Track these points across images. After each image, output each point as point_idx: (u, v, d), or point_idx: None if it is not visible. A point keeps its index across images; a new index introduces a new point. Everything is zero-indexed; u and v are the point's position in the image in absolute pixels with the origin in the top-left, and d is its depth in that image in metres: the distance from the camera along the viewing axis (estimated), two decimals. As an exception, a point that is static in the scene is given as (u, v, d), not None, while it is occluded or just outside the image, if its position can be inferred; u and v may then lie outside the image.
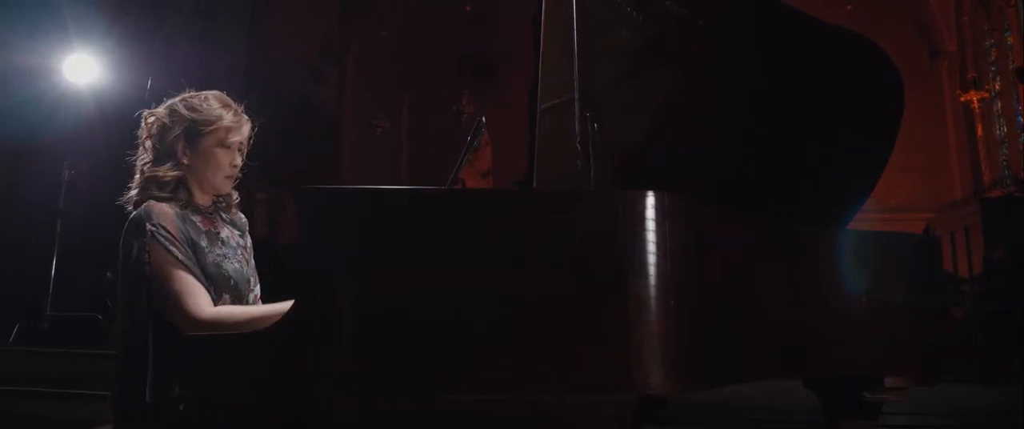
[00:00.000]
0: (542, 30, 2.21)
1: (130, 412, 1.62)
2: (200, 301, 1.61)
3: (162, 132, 1.76)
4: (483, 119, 1.92)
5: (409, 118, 12.59)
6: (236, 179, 1.84)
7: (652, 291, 1.37)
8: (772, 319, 1.74)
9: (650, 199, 1.42)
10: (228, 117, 1.78)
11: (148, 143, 1.78)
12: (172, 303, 1.59)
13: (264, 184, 7.04)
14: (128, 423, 1.63)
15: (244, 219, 1.93)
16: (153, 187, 1.73)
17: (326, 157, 10.43)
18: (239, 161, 1.82)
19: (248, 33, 7.99)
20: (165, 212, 1.67)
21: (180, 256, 1.62)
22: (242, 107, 1.84)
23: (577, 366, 1.35)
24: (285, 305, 1.65)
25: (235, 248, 1.81)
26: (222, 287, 1.71)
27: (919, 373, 2.04)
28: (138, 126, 1.82)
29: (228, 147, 1.78)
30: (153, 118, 1.79)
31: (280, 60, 8.84)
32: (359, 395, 1.36)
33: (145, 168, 1.76)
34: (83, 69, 5.85)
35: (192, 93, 1.81)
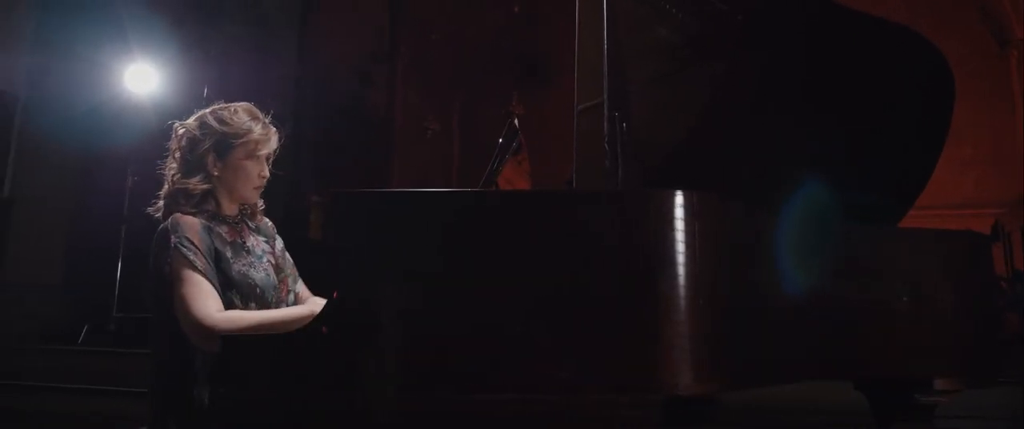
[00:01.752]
0: (577, 33, 2.22)
1: (167, 416, 1.66)
2: (209, 304, 1.61)
3: (192, 144, 1.80)
4: (516, 120, 1.92)
5: (460, 120, 12.64)
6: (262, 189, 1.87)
7: (680, 290, 1.36)
8: (810, 319, 1.70)
9: (678, 198, 1.41)
10: (258, 129, 1.81)
11: (177, 154, 1.82)
12: (181, 306, 1.61)
13: (317, 187, 7.17)
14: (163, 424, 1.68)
15: (271, 224, 1.96)
16: (181, 198, 1.76)
17: (377, 160, 10.55)
18: (267, 172, 1.85)
19: (298, 39, 8.12)
20: (191, 224, 1.71)
21: (198, 264, 1.65)
22: (269, 118, 1.86)
23: (605, 366, 1.35)
24: (298, 309, 1.71)
25: (261, 256, 1.84)
26: (248, 295, 1.74)
27: (971, 375, 1.97)
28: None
29: (257, 158, 1.81)
30: (183, 130, 1.82)
31: (330, 64, 8.96)
32: (396, 395, 1.38)
33: (174, 179, 1.80)
34: (144, 79, 6.03)
35: (222, 105, 1.85)
